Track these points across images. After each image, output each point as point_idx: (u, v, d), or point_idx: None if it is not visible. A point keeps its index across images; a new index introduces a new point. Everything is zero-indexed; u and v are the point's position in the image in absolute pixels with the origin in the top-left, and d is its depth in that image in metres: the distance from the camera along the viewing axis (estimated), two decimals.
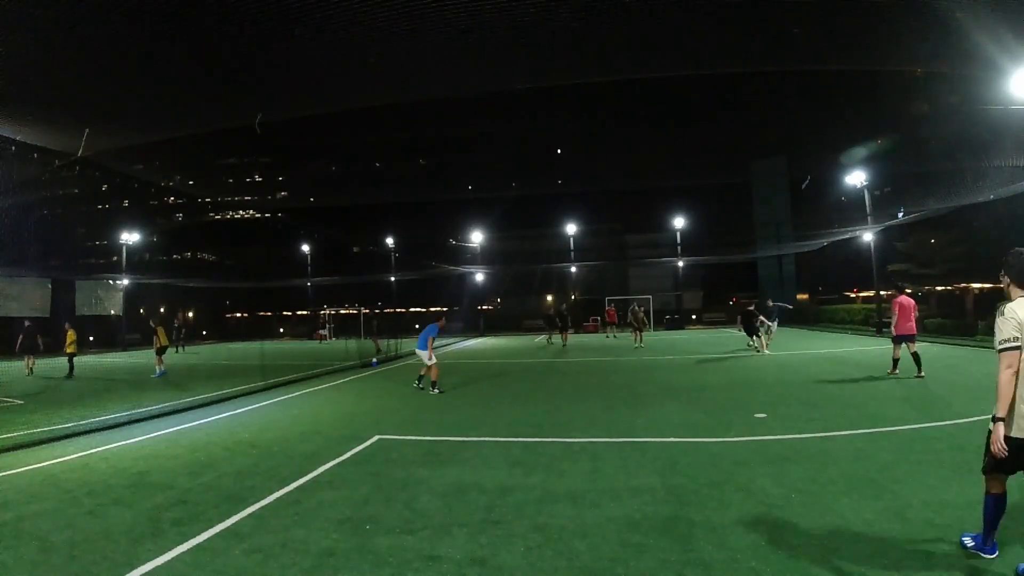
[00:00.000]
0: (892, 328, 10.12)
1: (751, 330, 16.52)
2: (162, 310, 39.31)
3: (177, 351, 24.25)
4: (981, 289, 30.28)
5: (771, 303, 17.55)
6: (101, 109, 10.53)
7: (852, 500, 4.11)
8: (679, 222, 37.29)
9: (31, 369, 16.44)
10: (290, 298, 45.38)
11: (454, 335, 32.06)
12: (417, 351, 10.86)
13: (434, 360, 10.41)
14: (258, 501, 4.56)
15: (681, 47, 10.22)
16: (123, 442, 6.99)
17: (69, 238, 41.19)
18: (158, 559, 3.52)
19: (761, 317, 16.05)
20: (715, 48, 10.46)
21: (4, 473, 5.69)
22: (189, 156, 42.67)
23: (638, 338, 20.66)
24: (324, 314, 37.80)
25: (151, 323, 16.24)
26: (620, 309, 31.93)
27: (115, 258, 33.31)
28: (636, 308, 22.38)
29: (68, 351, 15.77)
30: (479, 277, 37.00)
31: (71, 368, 15.48)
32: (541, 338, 26.49)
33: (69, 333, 15.93)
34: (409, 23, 8.11)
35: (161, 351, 15.47)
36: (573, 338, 24.77)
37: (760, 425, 6.75)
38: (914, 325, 10.08)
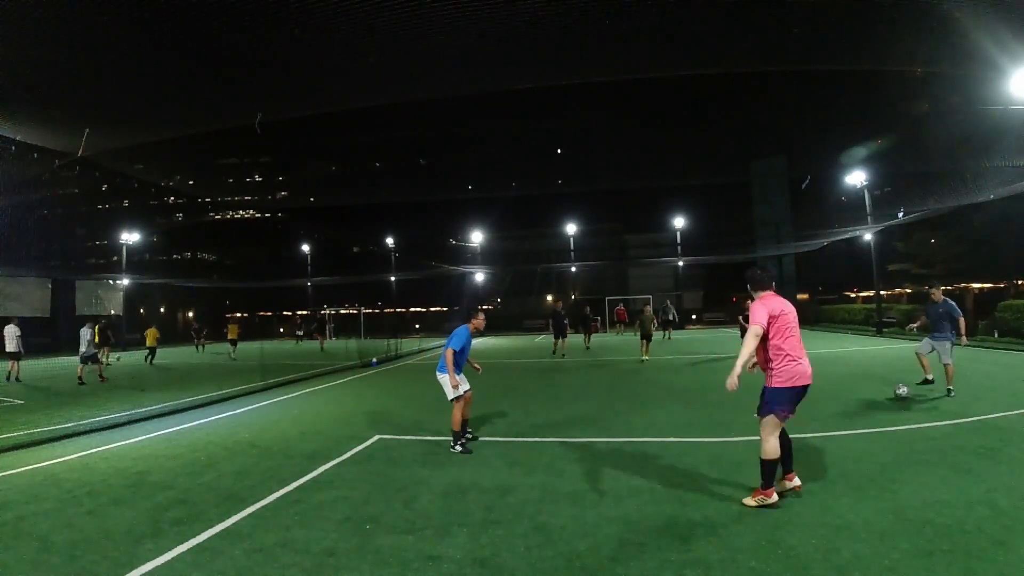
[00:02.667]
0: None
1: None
2: (162, 309, 39.36)
3: (198, 350, 25.66)
4: (981, 289, 30.31)
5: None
6: (101, 109, 10.53)
7: (852, 500, 4.11)
8: (679, 222, 37.30)
9: (107, 361, 18.57)
10: (290, 298, 45.43)
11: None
12: (438, 375, 6.17)
13: (461, 391, 5.96)
14: (258, 501, 4.56)
15: (682, 47, 10.23)
16: (123, 442, 6.99)
17: (69, 238, 41.22)
18: (158, 559, 3.53)
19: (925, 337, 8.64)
20: (715, 48, 10.47)
21: (4, 473, 5.69)
22: (189, 156, 42.67)
23: (644, 348, 15.29)
24: (324, 314, 37.87)
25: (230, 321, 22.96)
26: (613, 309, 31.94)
27: (115, 258, 33.35)
28: (663, 307, 19.62)
29: (150, 344, 19.64)
30: (479, 277, 37.01)
31: (152, 357, 19.45)
32: (542, 338, 26.33)
33: (151, 331, 19.85)
34: (409, 23, 8.12)
35: (233, 343, 21.39)
36: (574, 338, 24.37)
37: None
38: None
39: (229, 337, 21.67)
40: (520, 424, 7.36)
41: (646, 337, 15.34)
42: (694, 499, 4.28)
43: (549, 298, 44.99)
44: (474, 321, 6.21)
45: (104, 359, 18.64)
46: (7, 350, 14.21)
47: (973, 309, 23.08)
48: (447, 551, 3.53)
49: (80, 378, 13.32)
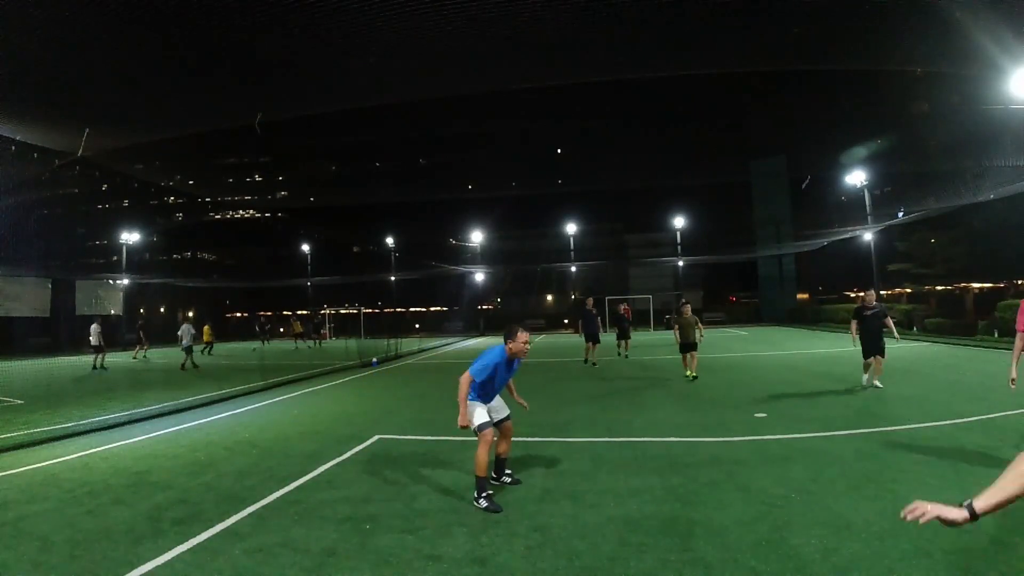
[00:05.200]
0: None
1: (874, 347, 8.77)
2: (162, 309, 39.46)
3: (264, 343, 28.22)
4: (981, 289, 30.30)
5: None
6: (101, 109, 10.53)
7: (852, 500, 4.11)
8: (679, 222, 37.33)
9: (138, 355, 21.26)
10: (290, 298, 45.43)
11: (454, 335, 32.08)
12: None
13: (483, 419, 4.42)
14: (258, 501, 4.56)
15: (682, 47, 10.23)
16: (123, 442, 6.99)
17: (69, 238, 41.19)
18: (158, 559, 3.53)
19: None
20: (715, 48, 10.47)
21: (4, 473, 5.69)
22: (189, 156, 42.67)
23: (689, 364, 10.87)
24: (306, 315, 38.13)
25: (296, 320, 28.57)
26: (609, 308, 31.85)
27: (115, 258, 33.35)
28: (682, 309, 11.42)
29: (207, 340, 22.46)
30: (479, 277, 37.02)
31: (210, 349, 22.64)
32: (541, 338, 26.11)
33: (207, 328, 22.61)
34: (409, 23, 8.12)
35: (297, 336, 27.33)
36: (574, 339, 23.97)
37: (760, 425, 6.75)
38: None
39: (295, 332, 27.58)
40: (520, 424, 7.33)
41: (689, 347, 10.78)
42: (694, 499, 4.28)
43: (546, 296, 44.95)
44: (510, 344, 4.49)
45: (135, 354, 21.36)
46: (91, 344, 17.18)
47: (973, 309, 23.08)
48: (447, 551, 3.53)
49: (184, 365, 16.32)
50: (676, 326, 11.10)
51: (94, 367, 16.64)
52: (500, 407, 4.69)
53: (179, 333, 17.21)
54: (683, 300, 12.36)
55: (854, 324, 9.15)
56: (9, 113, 9.63)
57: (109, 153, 14.89)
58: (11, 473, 5.67)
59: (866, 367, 9.11)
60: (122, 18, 7.38)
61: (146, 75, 9.60)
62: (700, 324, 11.05)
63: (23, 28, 7.19)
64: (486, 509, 4.19)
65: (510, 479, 4.80)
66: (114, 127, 11.65)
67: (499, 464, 4.77)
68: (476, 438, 4.36)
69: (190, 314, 28.51)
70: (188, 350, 16.72)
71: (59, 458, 6.23)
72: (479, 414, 4.43)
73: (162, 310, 42.44)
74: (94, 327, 17.32)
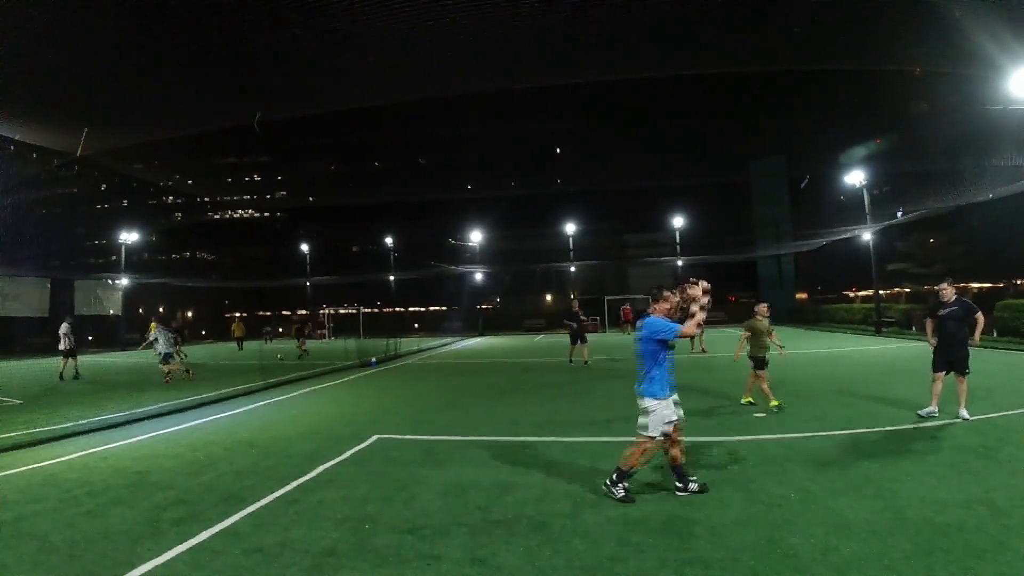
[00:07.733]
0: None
1: (951, 358, 6.76)
2: (161, 309, 39.54)
3: (269, 342, 29.92)
4: (980, 288, 30.33)
5: None
6: (101, 109, 10.53)
7: (851, 499, 4.12)
8: (678, 221, 37.34)
9: (182, 358, 22.65)
10: (289, 298, 45.42)
11: (453, 335, 32.08)
12: (649, 401, 4.28)
13: (664, 422, 4.23)
14: (258, 501, 4.56)
15: (682, 47, 10.23)
16: (123, 442, 6.99)
17: (68, 238, 41.19)
18: (158, 559, 3.53)
19: None
20: (715, 48, 10.48)
21: (4, 473, 5.68)
22: (189, 156, 42.65)
23: (762, 383, 7.92)
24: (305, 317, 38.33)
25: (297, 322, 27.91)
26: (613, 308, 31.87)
27: (114, 257, 33.35)
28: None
29: (237, 335, 24.72)
30: (478, 276, 37.03)
31: (241, 345, 24.63)
32: (540, 337, 26.02)
33: (238, 323, 24.98)
34: (409, 23, 8.12)
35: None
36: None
37: (760, 425, 6.75)
38: None
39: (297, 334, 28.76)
40: (520, 424, 7.36)
41: (763, 364, 7.90)
42: (694, 499, 4.28)
43: (546, 296, 44.82)
44: (660, 304, 4.36)
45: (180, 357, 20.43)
46: (60, 348, 14.16)
47: None
48: (446, 550, 3.53)
49: (168, 375, 13.08)
50: (747, 333, 8.12)
51: (61, 377, 13.67)
52: (679, 407, 4.37)
53: (151, 338, 13.72)
54: (758, 303, 8.56)
55: (930, 324, 7.08)
56: (8, 113, 9.63)
57: (108, 153, 14.88)
58: (11, 473, 5.67)
59: (936, 388, 6.84)
60: (122, 18, 7.38)
61: (146, 75, 9.60)
62: (773, 332, 8.07)
63: (23, 28, 7.18)
64: (622, 499, 4.25)
65: (694, 482, 4.39)
66: (113, 127, 11.65)
67: (679, 470, 4.40)
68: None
69: (196, 316, 29.17)
70: (167, 357, 13.00)
71: (58, 458, 6.22)
72: (667, 415, 4.24)
73: (161, 309, 42.41)
74: (63, 327, 14.11)
